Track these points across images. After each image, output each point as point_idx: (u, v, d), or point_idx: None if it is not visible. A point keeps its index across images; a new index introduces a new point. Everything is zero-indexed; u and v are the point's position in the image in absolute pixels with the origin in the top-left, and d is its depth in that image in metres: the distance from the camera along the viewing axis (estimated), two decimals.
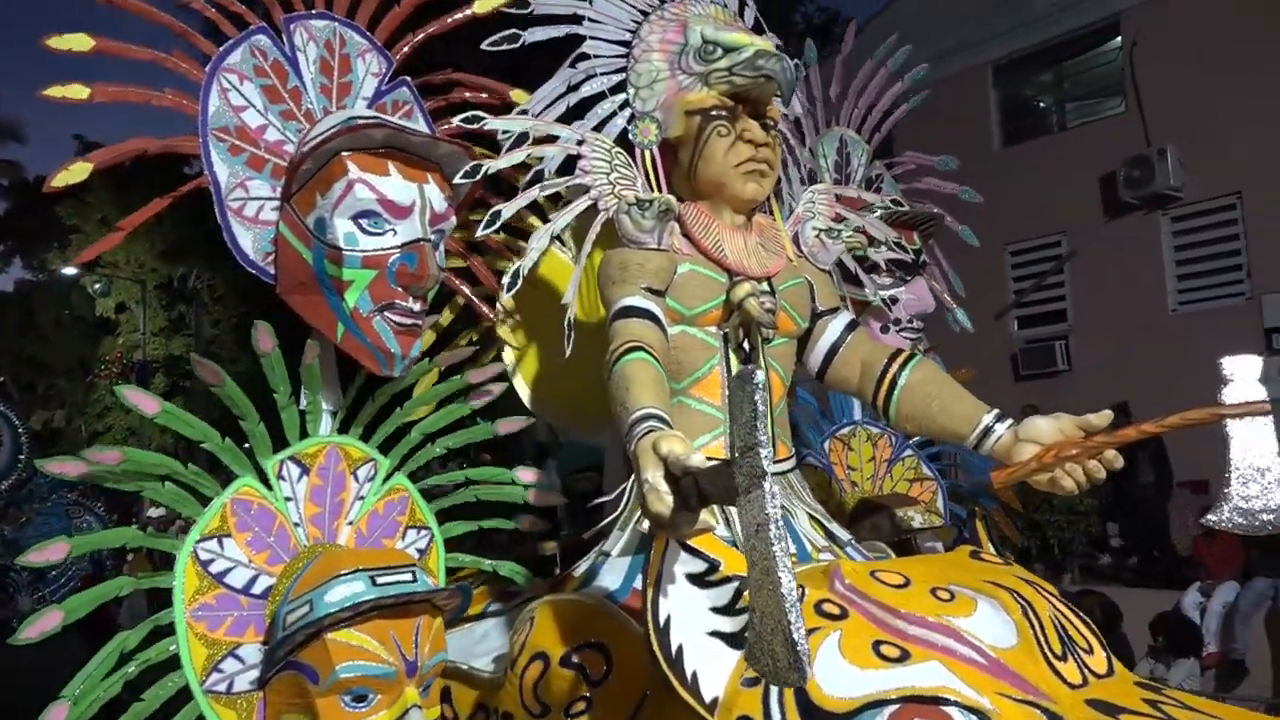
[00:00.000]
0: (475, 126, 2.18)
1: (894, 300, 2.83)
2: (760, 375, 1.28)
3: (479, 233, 2.17)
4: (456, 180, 2.12)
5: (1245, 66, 10.24)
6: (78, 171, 1.88)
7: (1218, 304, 11.03)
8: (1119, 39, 11.81)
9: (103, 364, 25.55)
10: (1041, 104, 12.99)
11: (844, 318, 2.37)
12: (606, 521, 2.27)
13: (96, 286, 25.51)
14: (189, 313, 24.07)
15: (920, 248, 2.97)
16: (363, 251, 2.01)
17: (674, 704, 1.92)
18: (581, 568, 2.29)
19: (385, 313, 2.04)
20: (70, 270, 24.13)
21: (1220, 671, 7.20)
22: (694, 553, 1.74)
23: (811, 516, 2.26)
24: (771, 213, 2.40)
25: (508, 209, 2.18)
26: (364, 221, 2.01)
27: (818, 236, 2.41)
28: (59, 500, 5.29)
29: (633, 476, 2.27)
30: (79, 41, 1.92)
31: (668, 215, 2.14)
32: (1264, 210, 10.41)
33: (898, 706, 1.50)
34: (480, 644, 2.31)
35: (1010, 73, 12.75)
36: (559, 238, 2.48)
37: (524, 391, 2.61)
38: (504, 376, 2.48)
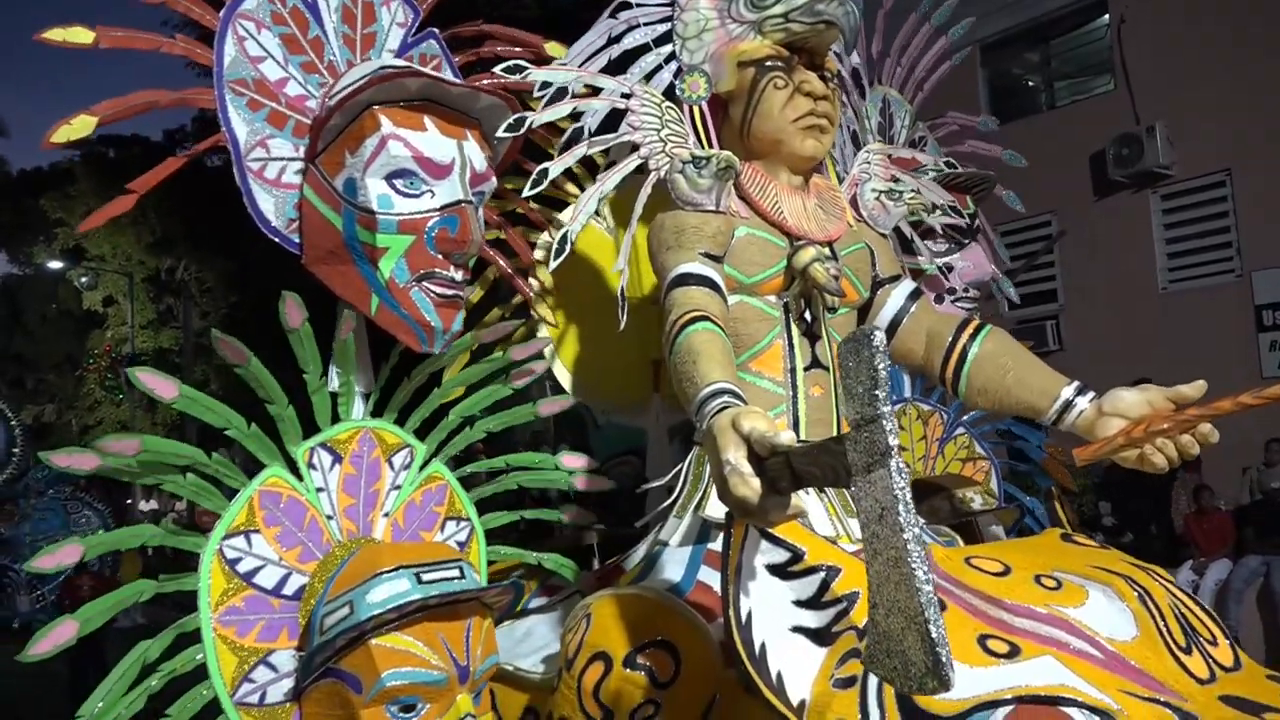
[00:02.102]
0: (517, 78, 1.99)
1: (949, 268, 2.67)
2: (880, 336, 1.11)
3: (525, 192, 1.99)
4: (499, 134, 1.92)
5: (1232, 43, 10.18)
6: (80, 125, 1.67)
7: (1208, 282, 10.98)
8: (1106, 16, 11.71)
9: (91, 358, 25.56)
10: (1030, 83, 12.89)
11: (906, 286, 2.21)
12: (661, 508, 2.10)
13: (83, 280, 25.26)
14: (177, 305, 23.85)
15: (975, 211, 2.81)
16: (398, 215, 1.82)
17: (745, 707, 1.77)
18: (635, 559, 2.13)
19: (424, 282, 1.85)
20: (56, 264, 23.81)
21: None
22: (775, 541, 1.58)
23: None
24: (826, 173, 2.24)
25: (556, 166, 2.01)
26: (399, 182, 1.82)
27: (878, 199, 2.25)
28: (56, 495, 5.10)
29: (689, 459, 2.11)
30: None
31: (728, 173, 1.98)
32: (1253, 187, 10.36)
33: (1012, 708, 1.35)
34: (524, 643, 2.15)
35: (998, 51, 12.62)
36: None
37: (562, 373, 2.43)
38: (542, 355, 2.30)
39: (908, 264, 2.60)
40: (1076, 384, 1.95)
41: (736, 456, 1.31)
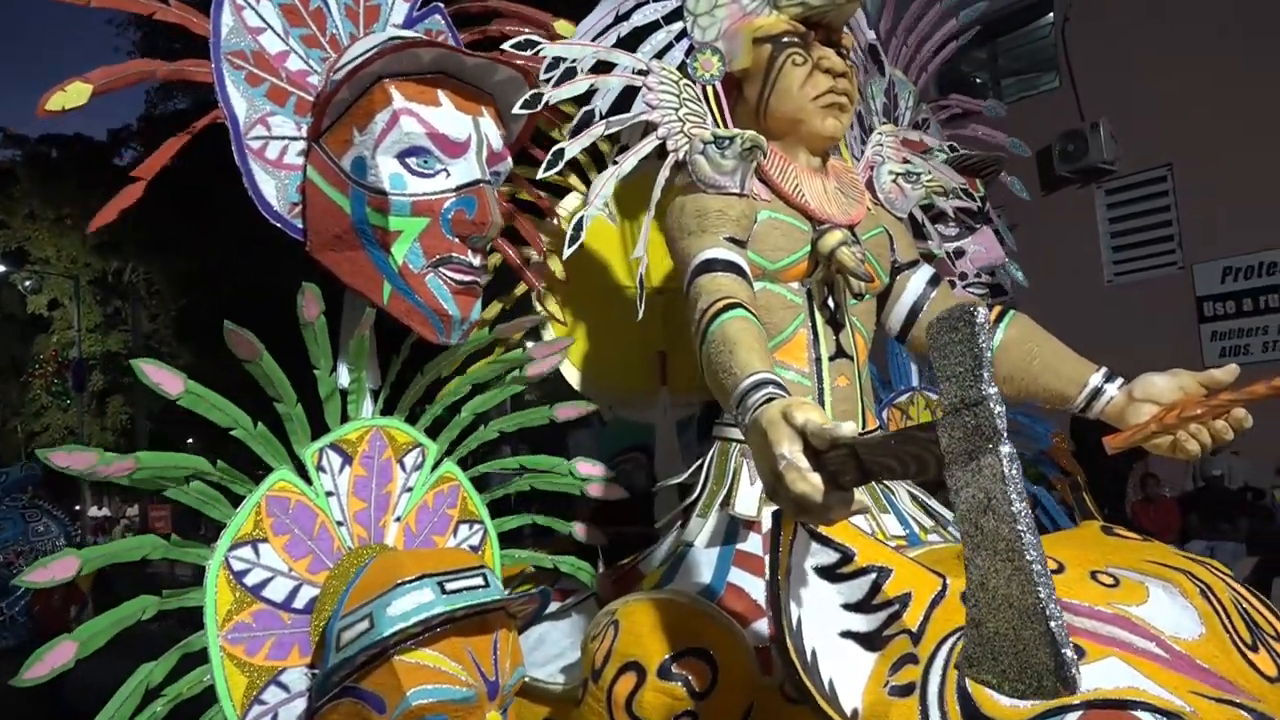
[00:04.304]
0: (530, 54, 1.87)
1: (960, 253, 2.60)
2: (984, 313, 1.02)
3: (541, 173, 1.87)
4: (515, 111, 1.80)
5: (1174, 40, 10.37)
6: (75, 94, 1.52)
7: (1151, 274, 11.21)
8: (1051, 15, 11.89)
9: (36, 363, 24.71)
10: (977, 79, 13.02)
11: (925, 272, 2.14)
12: (682, 507, 2.00)
13: (27, 284, 24.35)
14: (125, 308, 23.05)
15: (985, 195, 2.75)
16: (412, 196, 1.69)
17: (785, 716, 1.69)
18: (655, 560, 2.02)
19: (440, 268, 1.73)
20: None
21: None
22: (824, 542, 1.49)
23: (911, 494, 2.03)
24: (839, 155, 2.16)
25: (573, 146, 1.89)
26: (412, 160, 1.69)
27: (894, 181, 2.17)
28: (13, 504, 4.84)
29: (710, 453, 2.02)
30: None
31: (753, 154, 1.88)
32: (1193, 182, 10.59)
33: (1081, 713, 1.26)
34: (537, 651, 2.03)
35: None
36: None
37: (568, 368, 2.32)
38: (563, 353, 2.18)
39: (917, 249, 2.54)
40: (1104, 370, 1.89)
41: (792, 451, 1.21)
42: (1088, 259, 11.40)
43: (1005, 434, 1.01)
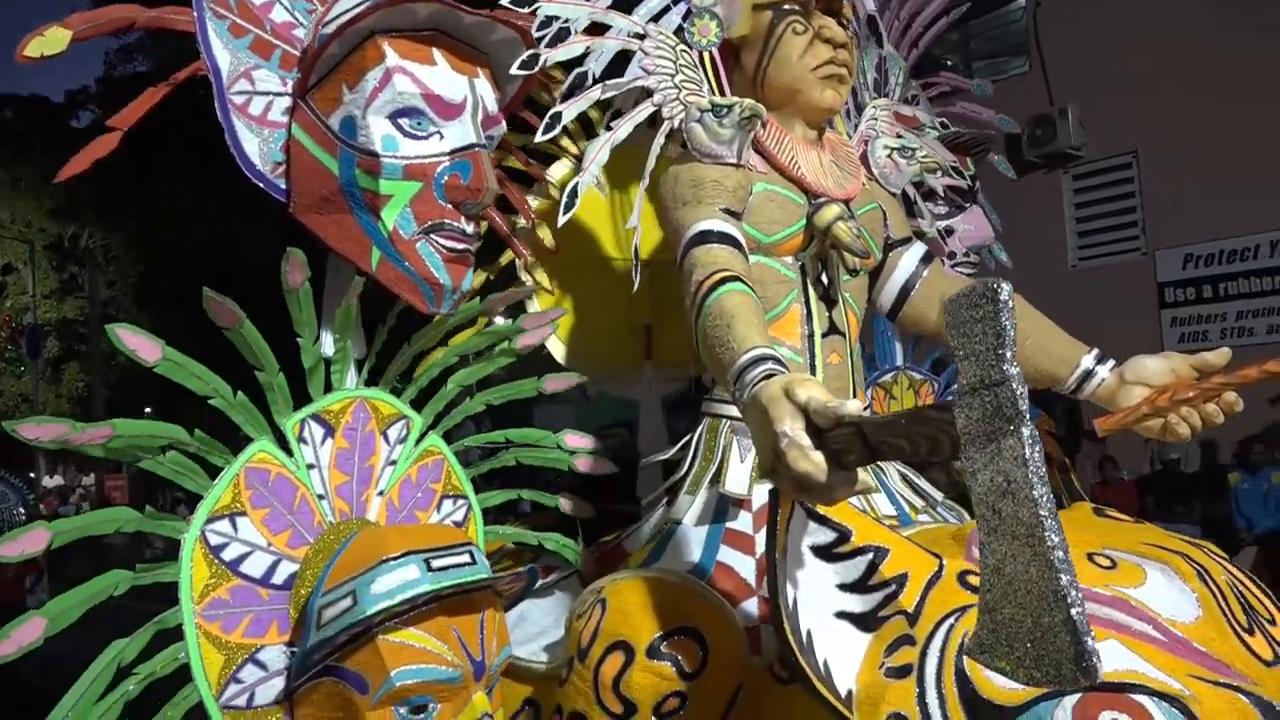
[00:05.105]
0: (528, 10, 1.80)
1: (949, 231, 2.58)
2: (1009, 289, 0.99)
3: (538, 137, 1.81)
4: (513, 72, 1.73)
5: (1142, 27, 10.43)
6: (54, 39, 1.44)
7: (1115, 259, 11.33)
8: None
9: None
10: (949, 62, 13.04)
11: (918, 249, 2.11)
12: (669, 484, 1.96)
13: None
14: (82, 274, 22.48)
15: (975, 173, 2.72)
16: (404, 159, 1.62)
17: (774, 697, 1.67)
18: (640, 538, 1.98)
19: (432, 235, 1.66)
20: None
21: None
22: (822, 521, 1.46)
23: (901, 474, 2.01)
24: (836, 128, 2.12)
25: (570, 110, 1.83)
26: (405, 121, 1.62)
27: (889, 156, 2.14)
28: None
29: (699, 430, 1.98)
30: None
31: (751, 123, 1.83)
32: (1157, 169, 10.70)
33: (1079, 696, 1.25)
34: (518, 628, 1.98)
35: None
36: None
37: (554, 342, 2.26)
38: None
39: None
40: (1096, 352, 1.88)
41: (794, 428, 1.17)
42: (1053, 243, 11.49)
43: (1027, 416, 0.98)
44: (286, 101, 1.67)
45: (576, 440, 1.98)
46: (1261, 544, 7.85)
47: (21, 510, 5.16)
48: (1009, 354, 1.00)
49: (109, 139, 1.52)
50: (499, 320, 2.06)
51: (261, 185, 1.65)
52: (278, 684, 1.56)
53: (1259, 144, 9.50)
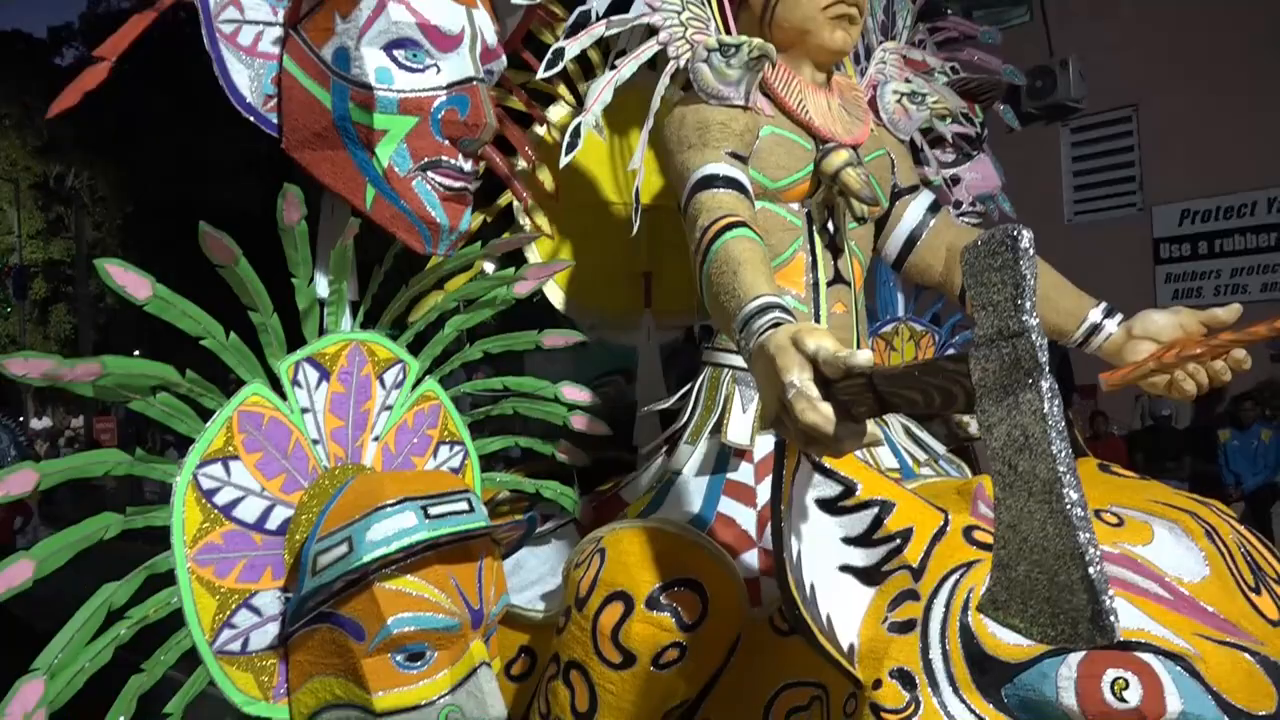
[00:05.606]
0: None
1: (956, 180, 2.52)
2: (1030, 237, 0.95)
3: (540, 73, 1.75)
4: (514, 1, 1.67)
5: None
6: None
7: (1111, 214, 11.28)
8: None
9: None
10: (949, 11, 12.86)
11: (925, 198, 2.07)
12: (669, 433, 1.93)
13: None
14: (68, 214, 22.16)
15: (984, 120, 2.66)
16: (399, 92, 1.56)
17: (772, 648, 1.66)
18: (639, 487, 1.96)
19: (428, 172, 1.60)
20: None
21: None
22: (828, 474, 1.44)
23: (905, 426, 1.98)
24: (844, 71, 2.06)
25: (573, 46, 1.77)
26: (400, 53, 1.55)
27: (899, 101, 2.08)
28: None
29: (700, 378, 1.95)
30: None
31: (760, 64, 1.77)
32: (1157, 123, 10.61)
33: (1085, 653, 1.24)
34: (514, 576, 1.96)
35: None
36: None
37: (552, 288, 2.22)
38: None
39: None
40: (1104, 305, 1.85)
41: (802, 379, 1.14)
42: (1050, 196, 11.41)
43: (1047, 368, 0.95)
44: (277, 31, 1.60)
45: (575, 394, 1.94)
46: (1250, 500, 7.91)
47: (14, 451, 5.12)
48: (1029, 304, 0.96)
49: (98, 70, 1.46)
50: (488, 266, 2.01)
51: (253, 119, 1.60)
52: (272, 629, 1.54)
53: (1258, 102, 9.41)
